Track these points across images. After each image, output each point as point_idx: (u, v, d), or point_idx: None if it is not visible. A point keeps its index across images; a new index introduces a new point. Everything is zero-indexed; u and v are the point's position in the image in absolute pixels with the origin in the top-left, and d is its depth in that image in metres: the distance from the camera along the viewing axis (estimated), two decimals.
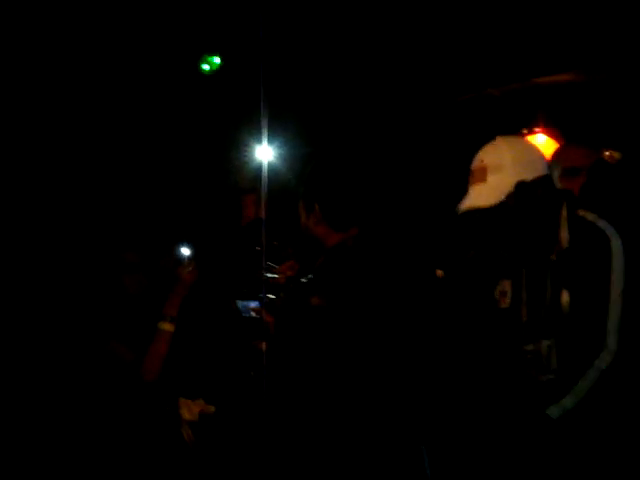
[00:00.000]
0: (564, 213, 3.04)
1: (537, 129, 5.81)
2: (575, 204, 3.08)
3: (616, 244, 2.91)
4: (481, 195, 3.00)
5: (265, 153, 4.48)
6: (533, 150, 3.14)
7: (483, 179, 3.01)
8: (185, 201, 5.77)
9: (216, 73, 6.29)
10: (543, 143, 5.52)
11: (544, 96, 6.16)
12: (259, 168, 4.40)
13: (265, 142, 4.42)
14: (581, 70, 6.05)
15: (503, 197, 2.96)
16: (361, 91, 6.21)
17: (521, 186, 2.97)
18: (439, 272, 3.84)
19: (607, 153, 3.92)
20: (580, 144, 4.00)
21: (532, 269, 3.05)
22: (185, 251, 3.81)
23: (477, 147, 3.31)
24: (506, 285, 3.13)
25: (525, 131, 5.76)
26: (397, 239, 3.46)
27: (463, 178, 3.27)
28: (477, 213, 3.00)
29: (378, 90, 6.17)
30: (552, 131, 5.65)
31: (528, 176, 2.99)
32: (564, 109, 5.84)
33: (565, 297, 2.94)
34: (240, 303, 3.76)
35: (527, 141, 3.25)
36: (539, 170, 3.04)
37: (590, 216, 3.02)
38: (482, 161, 3.04)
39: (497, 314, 3.15)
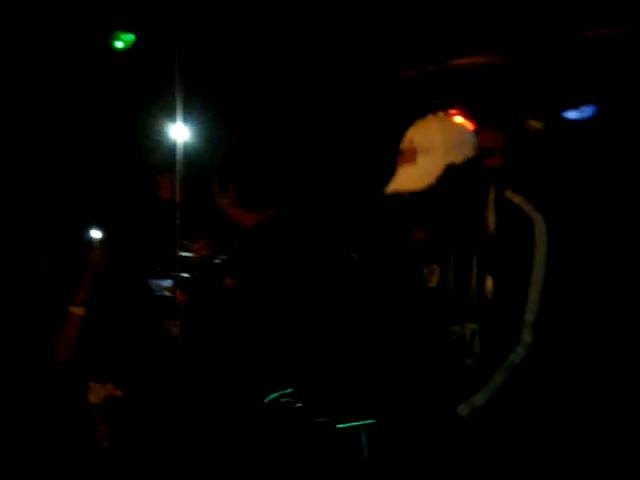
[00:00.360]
0: (491, 195, 3.01)
1: (453, 111, 5.79)
2: (503, 185, 3.05)
3: (540, 231, 2.88)
4: (411, 177, 2.94)
5: (180, 133, 4.50)
6: (463, 131, 3.10)
7: (413, 160, 2.95)
8: (98, 182, 5.59)
9: (130, 50, 6.11)
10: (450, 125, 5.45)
11: (461, 78, 6.15)
12: (174, 148, 4.38)
13: (180, 121, 4.40)
14: (496, 53, 6.06)
15: (433, 180, 2.90)
16: (280, 71, 6.14)
17: (451, 169, 2.92)
18: (353, 254, 3.76)
19: (530, 123, 3.94)
20: (492, 125, 4.05)
21: (459, 252, 3.03)
22: (95, 234, 3.79)
23: (396, 128, 3.27)
24: (434, 266, 3.11)
25: (442, 113, 5.72)
26: (313, 220, 3.43)
27: (383, 160, 3.26)
28: (406, 195, 2.95)
29: (296, 70, 6.11)
30: (468, 113, 5.61)
31: (458, 158, 2.95)
32: (478, 91, 5.81)
33: (489, 283, 2.92)
34: (153, 282, 3.75)
35: (457, 121, 3.20)
36: (469, 151, 3.00)
37: (517, 199, 2.99)
38: (412, 141, 2.99)
39: (424, 292, 3.12)
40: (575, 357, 2.94)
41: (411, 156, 2.96)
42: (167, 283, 3.67)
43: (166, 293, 3.65)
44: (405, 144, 3.01)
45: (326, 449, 3.04)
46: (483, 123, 4.22)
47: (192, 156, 4.49)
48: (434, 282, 3.09)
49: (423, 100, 5.39)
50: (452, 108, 5.02)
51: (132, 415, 3.68)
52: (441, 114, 3.15)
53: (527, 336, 2.80)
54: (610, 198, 4.48)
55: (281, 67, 6.01)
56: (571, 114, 5.59)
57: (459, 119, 4.28)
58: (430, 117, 3.09)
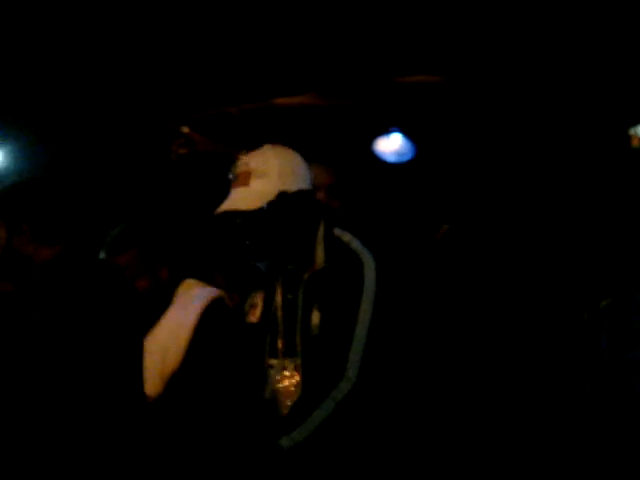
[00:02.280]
0: (321, 231, 3.02)
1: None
2: (332, 223, 3.06)
3: (369, 269, 2.90)
4: (243, 198, 2.95)
5: None
6: (299, 162, 3.10)
7: (246, 183, 2.97)
8: None
9: None
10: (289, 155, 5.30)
11: (282, 116, 6.10)
12: None
13: None
14: (319, 93, 6.06)
15: (264, 203, 2.92)
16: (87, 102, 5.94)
17: (283, 195, 2.95)
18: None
19: None
20: (319, 163, 3.91)
21: (286, 284, 3.02)
22: None
23: (214, 164, 3.50)
24: (258, 297, 3.09)
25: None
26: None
27: (205, 191, 3.41)
28: (236, 216, 2.95)
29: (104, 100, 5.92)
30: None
31: (292, 187, 2.98)
32: (302, 129, 5.82)
33: (315, 318, 2.92)
34: None
35: (295, 153, 3.14)
36: (303, 183, 3.03)
37: (346, 237, 3.01)
38: (247, 165, 3.01)
39: (244, 328, 3.10)
40: (398, 392, 2.94)
41: (245, 179, 2.98)
42: None
43: None
44: (240, 168, 3.03)
45: None
46: (310, 160, 4.15)
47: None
48: (256, 317, 3.07)
49: (245, 137, 5.30)
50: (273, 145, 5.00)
51: None
52: (274, 145, 3.14)
53: (352, 372, 2.81)
54: (433, 238, 4.53)
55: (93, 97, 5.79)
56: (390, 157, 5.84)
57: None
58: (267, 145, 3.12)
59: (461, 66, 5.40)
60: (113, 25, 5.23)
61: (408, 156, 6.29)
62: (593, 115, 5.70)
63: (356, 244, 2.98)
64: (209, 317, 3.32)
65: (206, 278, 3.78)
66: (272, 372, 2.96)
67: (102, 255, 3.45)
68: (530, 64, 5.29)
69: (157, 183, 6.28)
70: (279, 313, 3.02)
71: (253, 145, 4.65)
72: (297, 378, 2.91)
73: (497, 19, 4.90)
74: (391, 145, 6.34)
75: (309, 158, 4.30)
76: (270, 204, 2.94)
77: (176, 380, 3.17)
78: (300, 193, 3.00)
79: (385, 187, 5.86)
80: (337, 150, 5.35)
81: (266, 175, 2.97)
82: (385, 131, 6.32)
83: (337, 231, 3.05)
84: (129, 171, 6.54)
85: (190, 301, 3.37)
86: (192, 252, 4.16)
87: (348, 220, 3.42)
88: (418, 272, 3.52)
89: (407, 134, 6.07)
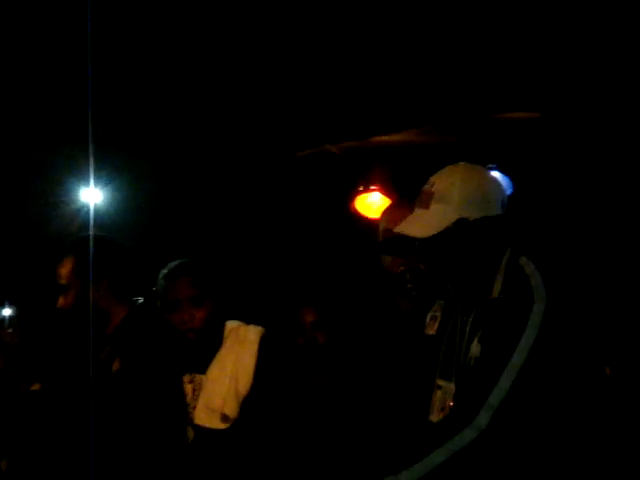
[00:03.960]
0: (505, 259, 2.81)
1: (373, 187, 5.91)
2: (519, 251, 2.83)
3: (538, 311, 2.63)
4: (418, 223, 2.81)
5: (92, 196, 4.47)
6: (488, 185, 2.86)
7: (427, 206, 2.79)
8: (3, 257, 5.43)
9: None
10: (378, 201, 5.93)
11: (382, 154, 5.67)
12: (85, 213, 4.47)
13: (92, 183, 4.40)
14: (419, 130, 5.69)
15: (440, 230, 2.74)
16: (195, 142, 5.77)
17: (462, 222, 2.74)
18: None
19: None
20: (408, 205, 3.82)
21: (465, 305, 2.85)
22: (6, 311, 3.71)
23: (318, 203, 3.98)
24: (438, 309, 3.00)
25: (361, 188, 5.93)
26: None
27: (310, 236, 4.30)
28: (409, 240, 2.83)
29: (213, 143, 5.79)
30: (388, 190, 5.86)
31: (474, 214, 2.75)
32: (400, 169, 5.72)
33: (475, 350, 2.74)
34: None
35: (486, 175, 2.96)
36: (489, 209, 2.78)
37: (529, 269, 2.75)
38: (432, 185, 2.82)
39: (422, 340, 3.01)
40: (529, 452, 2.67)
41: (426, 201, 2.81)
42: None
43: None
44: (426, 187, 2.85)
45: None
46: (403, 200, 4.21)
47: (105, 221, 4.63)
48: (433, 330, 2.97)
49: (344, 176, 6.08)
50: (372, 184, 6.01)
51: None
52: (468, 164, 2.89)
53: (483, 419, 2.56)
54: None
55: (198, 139, 5.65)
56: None
57: (365, 197, 5.71)
58: (460, 164, 2.88)
59: (559, 102, 5.19)
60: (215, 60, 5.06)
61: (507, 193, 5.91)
62: None
63: (535, 279, 2.72)
64: (267, 344, 3.53)
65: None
66: (440, 393, 2.84)
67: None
68: (626, 102, 5.01)
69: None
70: (449, 333, 2.90)
71: (354, 183, 6.43)
72: (448, 402, 2.79)
73: (594, 55, 4.77)
74: None
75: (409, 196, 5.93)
76: (447, 231, 2.74)
77: (250, 401, 3.41)
78: (484, 220, 2.76)
79: None
80: None
81: (447, 200, 2.76)
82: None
83: (523, 260, 2.79)
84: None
85: (244, 334, 3.56)
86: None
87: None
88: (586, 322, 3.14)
89: (505, 171, 5.88)
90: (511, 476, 2.69)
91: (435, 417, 2.84)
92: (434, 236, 2.75)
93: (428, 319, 3.06)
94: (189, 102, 5.18)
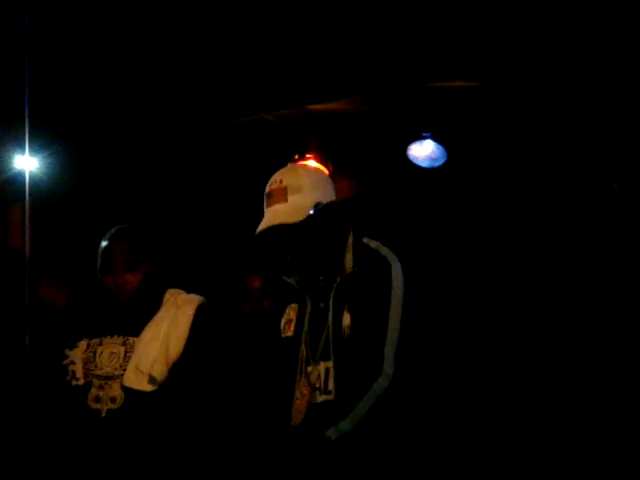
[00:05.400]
0: (350, 239, 3.12)
1: (309, 155, 5.79)
2: (360, 232, 3.16)
3: (397, 271, 3.01)
4: (283, 213, 3.03)
5: (28, 162, 4.57)
6: (324, 176, 3.28)
7: (284, 199, 3.04)
8: None
9: None
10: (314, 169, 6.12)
11: (317, 123, 5.70)
12: (22, 178, 4.53)
13: (27, 151, 4.48)
14: (353, 100, 5.71)
15: (304, 215, 3.01)
16: (134, 109, 5.76)
17: (318, 207, 3.04)
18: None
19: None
20: (344, 174, 4.38)
21: (317, 295, 3.12)
22: None
23: (254, 170, 3.77)
24: (292, 312, 3.22)
25: (297, 156, 5.81)
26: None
27: (240, 202, 4.21)
28: (278, 230, 3.03)
29: (151, 109, 5.74)
30: (323, 158, 5.75)
31: (323, 199, 3.07)
32: (334, 138, 5.78)
33: (346, 320, 3.01)
34: None
35: (318, 167, 3.52)
36: (330, 194, 3.13)
37: (373, 244, 3.12)
38: (281, 182, 3.07)
39: (281, 343, 3.24)
40: (432, 385, 3.15)
41: (282, 195, 3.05)
42: None
43: None
44: (273, 186, 3.09)
45: None
46: (337, 170, 4.82)
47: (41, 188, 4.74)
48: (291, 331, 3.19)
49: (280, 143, 6.09)
50: (307, 152, 5.87)
51: None
52: (299, 162, 3.39)
53: (388, 368, 2.92)
54: (458, 241, 5.44)
55: (137, 105, 5.64)
56: (423, 162, 6.14)
57: (315, 164, 5.58)
58: (291, 163, 3.33)
59: (497, 71, 5.24)
60: (146, 27, 5.02)
61: (440, 161, 6.08)
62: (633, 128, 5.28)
63: (383, 249, 3.07)
64: (204, 312, 3.57)
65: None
66: (311, 378, 3.07)
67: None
68: (566, 69, 5.06)
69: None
70: (308, 321, 3.13)
71: (289, 151, 6.03)
72: (330, 380, 3.05)
73: (534, 25, 4.80)
74: (424, 150, 6.04)
75: (341, 165, 5.15)
76: (310, 216, 3.01)
77: (179, 366, 3.43)
78: (332, 204, 3.08)
79: (416, 192, 5.77)
80: (369, 156, 5.74)
81: (301, 190, 3.03)
82: (418, 136, 5.98)
83: (365, 239, 3.13)
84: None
85: (182, 302, 3.60)
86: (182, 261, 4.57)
87: (376, 227, 3.88)
88: (444, 272, 4.30)
89: (440, 139, 5.96)
90: (420, 413, 3.10)
91: (321, 398, 3.10)
92: (301, 222, 3.02)
93: (283, 323, 3.29)
94: (126, 68, 5.20)
